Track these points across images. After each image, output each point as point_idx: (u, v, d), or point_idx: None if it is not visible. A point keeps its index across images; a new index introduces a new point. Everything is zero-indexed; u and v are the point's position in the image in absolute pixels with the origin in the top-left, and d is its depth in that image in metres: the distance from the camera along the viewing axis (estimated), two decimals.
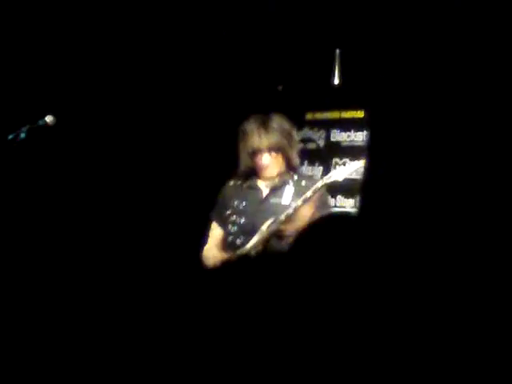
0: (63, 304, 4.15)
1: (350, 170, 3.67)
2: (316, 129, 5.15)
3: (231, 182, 3.84)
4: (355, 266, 1.52)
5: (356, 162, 3.70)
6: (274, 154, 3.67)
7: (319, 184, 3.60)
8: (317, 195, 3.60)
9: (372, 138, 1.62)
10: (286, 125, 3.73)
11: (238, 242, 3.68)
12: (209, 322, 1.61)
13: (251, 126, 3.68)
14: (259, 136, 3.64)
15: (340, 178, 3.61)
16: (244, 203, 3.75)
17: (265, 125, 3.66)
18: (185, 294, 1.70)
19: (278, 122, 3.70)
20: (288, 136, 3.70)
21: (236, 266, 1.78)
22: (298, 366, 1.51)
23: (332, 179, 3.63)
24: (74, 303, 4.14)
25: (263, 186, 3.76)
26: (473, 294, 1.46)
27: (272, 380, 1.51)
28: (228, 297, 1.62)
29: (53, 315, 4.01)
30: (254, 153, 3.66)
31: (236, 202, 3.76)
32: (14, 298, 4.10)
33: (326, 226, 1.62)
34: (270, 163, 3.67)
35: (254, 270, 1.66)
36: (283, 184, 3.73)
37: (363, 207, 1.62)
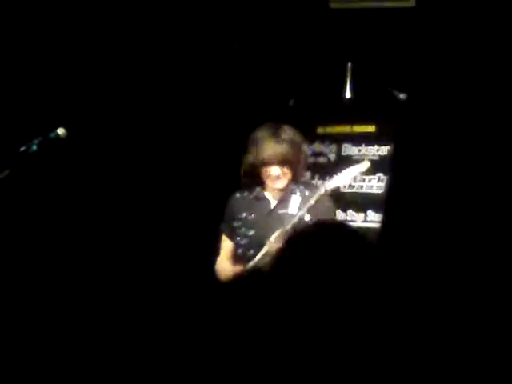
0: (75, 309, 4.15)
1: (352, 174, 3.62)
2: (327, 143, 5.14)
3: (237, 194, 3.81)
4: (375, 277, 1.52)
5: (356, 166, 3.64)
6: (283, 166, 3.62)
7: (322, 190, 3.55)
8: (322, 202, 3.57)
9: (396, 152, 1.62)
10: (297, 137, 3.69)
11: (249, 254, 3.67)
12: (220, 335, 1.60)
13: (262, 136, 3.64)
14: (271, 146, 3.59)
15: (342, 183, 3.56)
16: (252, 215, 3.72)
17: (276, 136, 3.61)
18: (197, 308, 1.70)
19: (289, 133, 3.66)
20: (298, 149, 3.67)
21: (247, 281, 1.77)
22: (306, 376, 1.50)
23: (334, 184, 3.59)
24: (88, 311, 4.14)
25: (270, 197, 3.74)
26: (494, 302, 1.45)
27: None
28: (239, 312, 1.61)
29: (63, 318, 4.01)
30: (264, 164, 3.62)
31: (244, 214, 3.74)
32: (28, 300, 4.11)
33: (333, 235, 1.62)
34: (280, 175, 3.62)
35: (265, 285, 1.65)
36: (290, 194, 3.70)
37: (387, 221, 1.61)
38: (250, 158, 3.68)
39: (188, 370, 1.60)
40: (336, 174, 3.64)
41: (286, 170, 3.64)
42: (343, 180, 3.57)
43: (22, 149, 3.18)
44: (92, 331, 4.06)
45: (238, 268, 3.66)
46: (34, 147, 3.19)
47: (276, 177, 3.63)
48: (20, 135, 3.40)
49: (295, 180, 3.71)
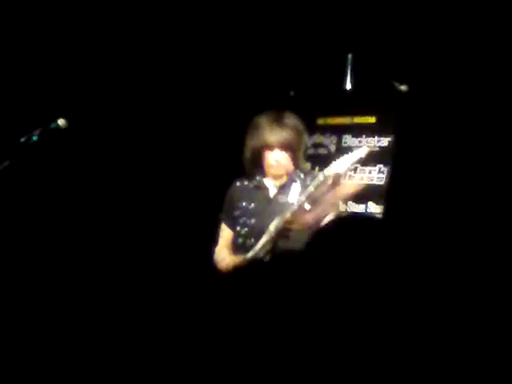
0: (79, 310, 4.16)
1: (350, 160, 3.57)
2: (327, 134, 5.13)
3: (237, 183, 3.80)
4: (376, 268, 1.52)
5: (354, 152, 3.60)
6: (284, 151, 3.60)
7: (321, 177, 3.48)
8: (320, 190, 3.55)
9: (397, 143, 1.62)
10: (299, 124, 3.68)
11: (249, 243, 3.66)
12: (220, 326, 1.60)
13: (264, 121, 3.62)
14: (272, 131, 3.57)
15: (341, 170, 3.53)
16: (252, 204, 3.71)
17: (278, 120, 3.60)
18: (196, 298, 1.70)
19: (292, 119, 3.65)
20: (299, 135, 3.65)
21: (247, 271, 1.77)
22: (310, 368, 1.50)
23: (332, 171, 3.56)
24: (88, 307, 4.15)
25: (271, 185, 3.72)
26: (496, 295, 1.46)
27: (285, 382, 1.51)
28: (240, 302, 1.61)
29: (60, 311, 4.01)
30: (265, 148, 3.60)
31: (244, 203, 3.73)
32: (31, 301, 4.11)
33: (341, 227, 1.61)
34: (281, 161, 3.61)
35: (265, 275, 1.65)
36: (290, 182, 3.68)
37: (388, 211, 1.61)
38: (251, 143, 3.66)
39: (187, 362, 1.60)
40: (335, 160, 3.60)
41: (286, 155, 3.62)
42: (342, 166, 3.53)
43: (23, 139, 3.19)
44: (91, 323, 4.07)
45: (238, 257, 3.66)
46: (35, 138, 3.19)
47: (276, 161, 3.61)
48: (20, 126, 3.40)
49: (296, 167, 3.69)
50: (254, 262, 3.46)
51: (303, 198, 3.50)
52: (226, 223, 3.80)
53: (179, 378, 1.63)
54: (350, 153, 3.55)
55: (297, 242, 3.55)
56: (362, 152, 3.54)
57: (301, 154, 3.70)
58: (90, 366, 3.53)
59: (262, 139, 3.59)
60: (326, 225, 1.72)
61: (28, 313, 4.10)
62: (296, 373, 1.51)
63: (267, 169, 3.67)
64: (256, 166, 3.69)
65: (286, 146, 3.60)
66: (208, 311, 1.67)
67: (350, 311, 1.54)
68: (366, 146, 3.63)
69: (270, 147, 3.59)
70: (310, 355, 1.52)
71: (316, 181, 3.49)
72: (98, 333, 3.85)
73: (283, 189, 3.69)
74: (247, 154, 3.69)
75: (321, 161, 5.04)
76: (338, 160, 3.58)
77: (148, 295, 4.26)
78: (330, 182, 3.47)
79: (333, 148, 5.12)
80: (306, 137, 3.77)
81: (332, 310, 1.54)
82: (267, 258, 3.56)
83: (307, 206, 3.51)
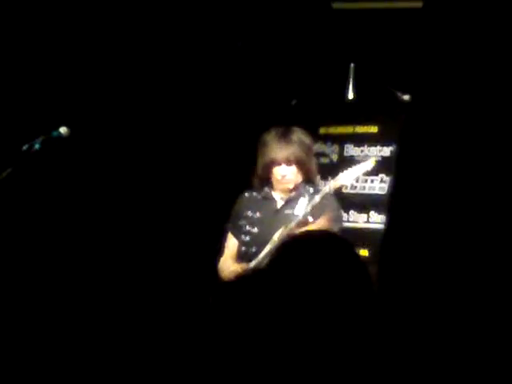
0: (77, 304, 4.15)
1: (357, 172, 3.64)
2: (329, 143, 5.14)
3: (246, 194, 3.86)
4: (380, 276, 1.52)
5: (361, 164, 3.66)
6: (291, 166, 3.68)
7: (326, 188, 3.60)
8: (327, 202, 3.59)
9: (399, 153, 1.62)
10: (306, 139, 3.76)
11: (251, 251, 3.69)
12: (221, 334, 1.60)
13: (271, 137, 3.72)
14: (278, 147, 3.66)
15: (347, 182, 3.58)
16: (258, 214, 3.76)
17: (285, 137, 3.69)
18: (200, 308, 1.70)
19: (298, 135, 3.73)
20: (307, 150, 3.73)
21: (250, 280, 1.77)
22: (312, 374, 1.50)
23: (339, 182, 3.62)
24: (89, 308, 4.14)
25: (278, 198, 3.78)
26: (498, 304, 1.45)
27: None
28: (242, 311, 1.61)
29: (64, 314, 4.00)
30: (272, 164, 3.69)
31: (250, 213, 3.78)
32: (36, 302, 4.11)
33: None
34: (287, 175, 3.68)
35: (268, 285, 1.65)
36: (298, 196, 3.74)
37: (391, 222, 1.61)
38: (261, 160, 3.75)
39: (188, 369, 1.60)
40: (341, 172, 3.66)
41: (294, 170, 3.69)
42: (348, 179, 3.60)
43: (25, 147, 3.19)
44: (93, 329, 4.06)
45: (240, 266, 3.67)
46: (37, 146, 3.19)
47: (283, 176, 3.68)
48: (23, 134, 3.41)
49: (307, 179, 3.76)
50: (258, 270, 3.48)
51: (309, 208, 3.55)
52: (232, 233, 3.84)
53: (179, 381, 1.63)
54: (357, 165, 3.61)
55: None
56: (368, 165, 3.60)
57: (311, 168, 3.77)
58: (90, 366, 3.53)
59: (269, 156, 3.69)
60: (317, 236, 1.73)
61: (32, 314, 4.11)
62: (292, 379, 1.51)
63: (275, 183, 3.75)
64: (265, 180, 3.78)
65: (292, 161, 3.68)
66: (210, 318, 1.66)
67: (349, 318, 1.54)
68: (372, 158, 3.65)
69: (277, 163, 3.68)
70: (310, 362, 1.51)
71: (322, 192, 3.55)
72: (101, 340, 3.85)
73: (290, 202, 3.75)
74: (258, 170, 3.78)
75: (322, 170, 5.05)
76: (344, 172, 3.67)
77: (152, 302, 4.26)
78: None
79: (335, 157, 5.12)
80: (313, 149, 3.83)
81: (331, 318, 1.54)
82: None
83: (310, 219, 3.57)
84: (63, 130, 3.29)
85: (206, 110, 4.98)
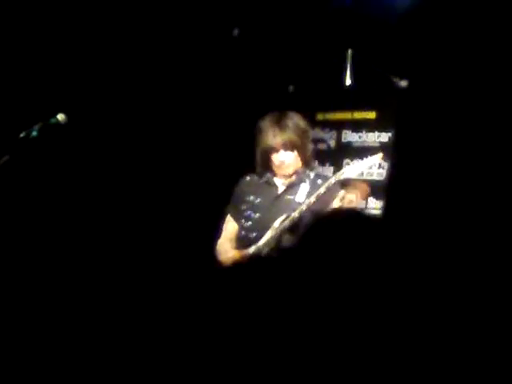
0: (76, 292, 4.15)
1: (363, 166, 3.65)
2: (327, 129, 5.14)
3: (247, 177, 3.87)
4: (376, 264, 1.52)
5: (369, 158, 3.66)
6: (288, 151, 3.68)
7: (332, 180, 3.59)
8: (331, 193, 3.59)
9: (397, 139, 1.62)
10: (302, 123, 3.75)
11: (251, 236, 3.70)
12: (219, 322, 1.60)
13: (266, 124, 3.71)
14: (273, 134, 3.66)
15: (353, 175, 3.58)
16: (259, 199, 3.77)
17: (279, 123, 3.69)
18: (197, 294, 1.70)
19: (293, 119, 3.72)
20: (303, 134, 3.72)
21: (249, 267, 1.77)
22: (310, 367, 1.50)
23: (344, 176, 3.62)
24: (87, 303, 4.15)
25: (279, 183, 3.78)
26: (499, 295, 1.46)
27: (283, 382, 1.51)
28: (240, 298, 1.61)
29: (62, 307, 4.01)
30: (269, 150, 3.69)
31: (251, 197, 3.78)
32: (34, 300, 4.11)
33: (340, 222, 1.61)
34: (285, 161, 3.68)
35: (266, 272, 1.65)
36: (299, 182, 3.74)
37: (389, 207, 1.61)
38: (259, 147, 3.75)
39: (187, 359, 1.60)
40: (348, 164, 3.67)
41: (292, 155, 3.69)
42: (355, 171, 3.60)
43: (22, 134, 3.18)
44: (93, 318, 4.07)
45: (241, 252, 3.67)
46: (34, 133, 3.19)
47: (282, 162, 3.69)
48: (20, 121, 3.40)
49: (306, 163, 3.75)
50: (257, 258, 3.48)
51: (313, 199, 3.56)
52: (231, 216, 3.85)
53: (177, 375, 1.63)
54: (364, 159, 3.62)
55: None
56: (375, 159, 3.61)
57: (307, 152, 3.76)
58: (90, 366, 3.53)
59: (266, 142, 3.69)
60: (325, 218, 1.72)
61: (29, 312, 4.11)
62: (296, 372, 1.51)
63: (275, 169, 3.75)
64: (266, 167, 3.78)
65: (289, 146, 3.68)
66: (209, 306, 1.67)
67: (350, 309, 1.54)
68: (380, 153, 3.65)
69: (275, 149, 3.68)
70: (309, 354, 1.52)
71: (327, 183, 3.55)
72: (97, 325, 3.85)
73: (292, 187, 3.75)
74: (257, 157, 3.79)
75: (320, 156, 5.05)
76: (351, 165, 3.68)
77: (149, 288, 4.27)
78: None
79: (332, 143, 5.12)
80: (309, 135, 3.82)
81: (332, 308, 1.54)
82: (273, 254, 3.59)
83: (314, 207, 3.58)
84: (61, 116, 3.28)
85: (202, 97, 4.98)
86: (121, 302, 4.16)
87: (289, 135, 3.66)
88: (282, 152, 3.68)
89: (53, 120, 3.27)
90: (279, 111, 3.77)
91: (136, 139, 4.82)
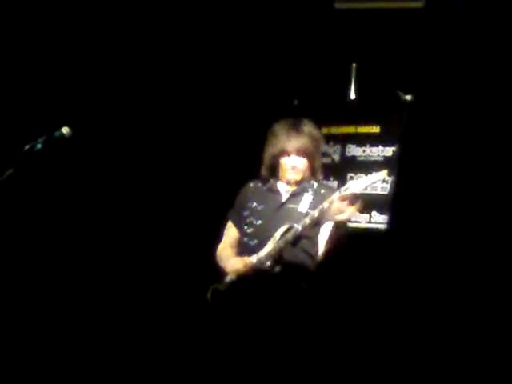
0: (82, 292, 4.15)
1: (368, 182, 3.64)
2: (331, 143, 5.14)
3: (251, 184, 3.86)
4: (383, 280, 1.52)
5: (374, 174, 3.66)
6: (300, 157, 3.69)
7: (336, 195, 3.57)
8: (334, 208, 3.58)
9: (402, 153, 1.62)
10: (316, 132, 3.77)
11: (252, 243, 3.69)
12: (223, 332, 1.60)
13: (282, 127, 3.72)
14: (288, 137, 3.67)
15: (357, 190, 3.58)
16: (262, 206, 3.76)
17: (296, 128, 3.70)
18: (200, 304, 1.70)
19: (308, 126, 3.73)
20: (316, 142, 3.73)
21: (253, 282, 1.77)
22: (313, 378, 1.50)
23: (349, 191, 3.60)
24: (92, 295, 4.14)
25: (283, 191, 3.77)
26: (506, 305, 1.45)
27: None
28: (243, 312, 1.61)
29: (66, 308, 4.00)
30: (281, 154, 3.69)
31: (254, 204, 3.77)
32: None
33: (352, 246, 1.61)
34: (297, 166, 3.69)
35: (272, 287, 1.65)
36: (303, 191, 3.73)
37: (393, 221, 1.61)
38: (270, 150, 3.75)
39: (187, 364, 1.60)
40: (352, 179, 3.67)
41: (303, 161, 3.70)
42: (359, 186, 3.59)
43: (27, 147, 3.19)
44: (96, 316, 4.08)
45: (242, 260, 3.64)
46: (39, 146, 3.19)
47: (294, 166, 3.69)
48: (24, 134, 3.40)
49: (313, 174, 3.76)
50: (264, 272, 3.48)
51: (316, 213, 3.55)
52: (233, 221, 3.84)
53: (178, 378, 1.63)
54: (368, 175, 3.62)
55: (303, 252, 3.59)
56: (380, 175, 3.61)
57: (317, 162, 3.77)
58: (90, 366, 3.53)
59: (279, 145, 3.69)
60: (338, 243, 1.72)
61: (32, 314, 4.11)
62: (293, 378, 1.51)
63: (284, 173, 3.74)
64: (272, 171, 3.77)
65: (302, 152, 3.69)
66: (210, 316, 1.67)
67: (355, 320, 1.54)
68: (385, 170, 3.65)
69: (288, 153, 3.68)
70: (310, 358, 1.52)
71: (331, 198, 3.54)
72: (98, 325, 3.85)
73: (295, 197, 3.74)
74: (266, 160, 3.78)
75: (325, 170, 5.05)
76: (355, 180, 3.70)
77: (151, 290, 4.27)
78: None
79: (337, 157, 5.12)
80: (321, 145, 3.83)
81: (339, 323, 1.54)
82: (277, 269, 3.57)
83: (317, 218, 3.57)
84: (65, 130, 3.29)
85: (208, 108, 4.99)
86: (121, 304, 4.16)
87: (304, 141, 3.67)
88: (293, 157, 3.68)
89: (57, 133, 3.27)
90: (295, 117, 3.78)
91: (139, 147, 4.83)
